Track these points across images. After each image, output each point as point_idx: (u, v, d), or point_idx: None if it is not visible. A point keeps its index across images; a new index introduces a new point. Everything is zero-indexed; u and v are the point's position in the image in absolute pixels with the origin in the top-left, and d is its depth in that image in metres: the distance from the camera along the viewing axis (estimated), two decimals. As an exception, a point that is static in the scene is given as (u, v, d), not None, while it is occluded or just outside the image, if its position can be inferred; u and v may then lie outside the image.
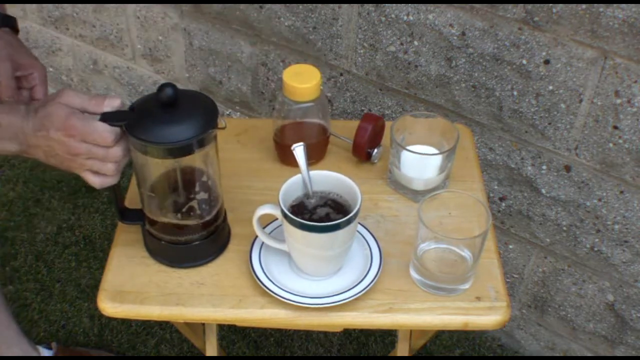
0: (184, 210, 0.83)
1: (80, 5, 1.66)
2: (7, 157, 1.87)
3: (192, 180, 0.83)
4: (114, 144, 0.76)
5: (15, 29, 1.05)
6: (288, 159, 0.97)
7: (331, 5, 1.24)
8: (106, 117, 0.76)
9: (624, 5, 0.96)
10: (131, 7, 1.57)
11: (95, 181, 0.79)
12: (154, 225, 0.85)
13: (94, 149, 0.76)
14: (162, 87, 0.76)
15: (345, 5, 1.23)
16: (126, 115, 0.77)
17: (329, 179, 0.83)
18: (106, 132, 0.75)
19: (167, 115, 0.76)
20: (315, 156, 1.00)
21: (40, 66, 1.01)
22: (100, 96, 0.77)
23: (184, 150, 0.77)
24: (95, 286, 1.52)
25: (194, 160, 0.82)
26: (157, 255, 0.88)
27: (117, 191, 0.85)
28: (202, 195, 0.83)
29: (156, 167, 0.82)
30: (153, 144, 0.76)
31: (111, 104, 0.77)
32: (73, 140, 0.75)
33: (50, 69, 1.88)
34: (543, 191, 1.21)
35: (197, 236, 0.85)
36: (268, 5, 1.32)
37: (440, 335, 1.50)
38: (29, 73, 0.99)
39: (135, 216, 0.88)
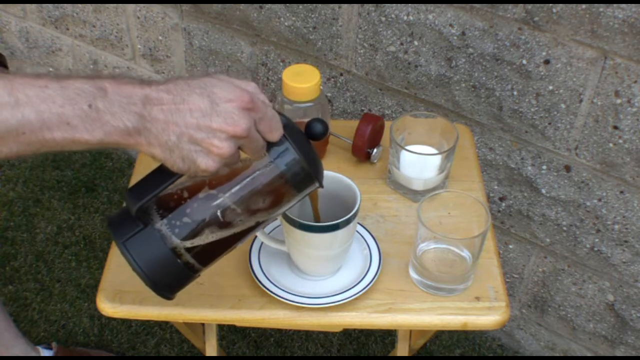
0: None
1: (80, 5, 1.66)
2: (9, 159, 1.87)
3: None
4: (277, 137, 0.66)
5: (4, 66, 1.01)
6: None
7: (331, 5, 1.24)
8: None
9: (624, 5, 0.96)
10: (131, 7, 1.57)
11: (210, 164, 0.63)
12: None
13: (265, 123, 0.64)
14: None
15: (345, 5, 1.22)
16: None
17: (329, 179, 0.83)
18: (279, 121, 0.66)
19: None
20: (314, 156, 1.00)
21: None
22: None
23: None
24: (95, 286, 1.52)
25: None
26: None
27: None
28: None
29: None
30: None
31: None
32: (244, 112, 0.62)
33: (50, 69, 1.88)
34: (543, 191, 1.21)
35: None
36: (268, 5, 1.32)
37: (440, 335, 1.50)
38: None
39: None
